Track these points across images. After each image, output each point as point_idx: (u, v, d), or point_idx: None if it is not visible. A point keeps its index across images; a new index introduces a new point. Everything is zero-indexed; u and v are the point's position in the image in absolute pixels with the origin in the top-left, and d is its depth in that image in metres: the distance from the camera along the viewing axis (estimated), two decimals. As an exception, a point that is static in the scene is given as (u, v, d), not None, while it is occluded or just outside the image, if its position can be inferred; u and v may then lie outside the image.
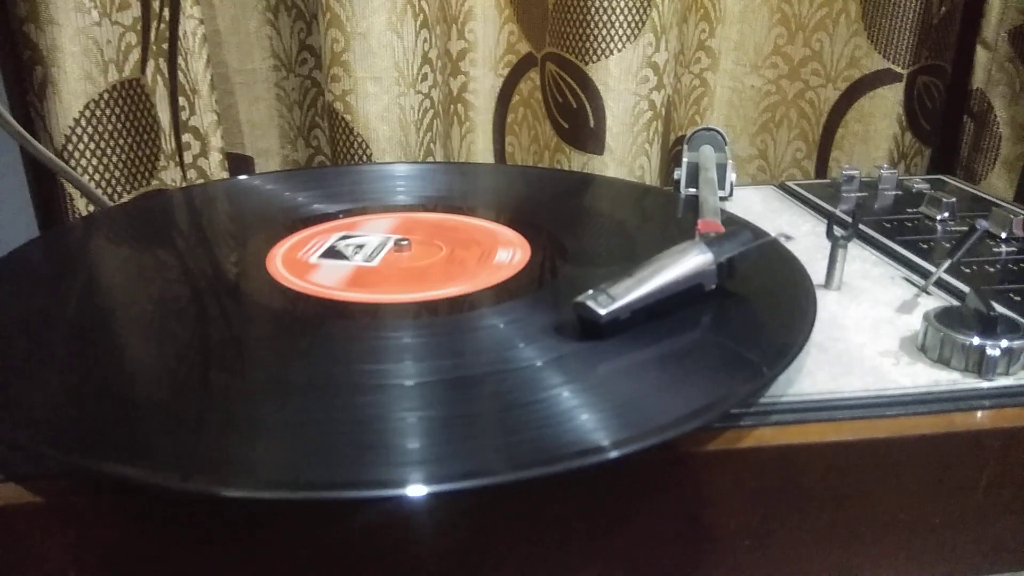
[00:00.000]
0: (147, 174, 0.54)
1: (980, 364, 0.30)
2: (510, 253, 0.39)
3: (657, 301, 0.31)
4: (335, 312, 0.34)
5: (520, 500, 0.26)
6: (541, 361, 0.29)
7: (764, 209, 0.50)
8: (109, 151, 0.51)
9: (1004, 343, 0.30)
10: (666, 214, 0.47)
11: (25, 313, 0.32)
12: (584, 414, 0.26)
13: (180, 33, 0.56)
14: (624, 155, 0.65)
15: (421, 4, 0.60)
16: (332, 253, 0.39)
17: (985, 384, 0.30)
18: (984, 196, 0.51)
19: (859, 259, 0.42)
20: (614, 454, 0.24)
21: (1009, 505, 0.29)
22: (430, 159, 0.64)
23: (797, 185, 0.53)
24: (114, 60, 0.50)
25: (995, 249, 0.43)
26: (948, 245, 0.43)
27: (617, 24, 0.61)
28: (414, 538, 0.26)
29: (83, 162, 0.50)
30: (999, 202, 0.50)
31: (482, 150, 0.72)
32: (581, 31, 0.62)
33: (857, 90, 0.68)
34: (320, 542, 0.26)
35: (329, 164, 0.67)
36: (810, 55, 0.70)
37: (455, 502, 0.26)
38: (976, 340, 0.30)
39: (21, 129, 0.40)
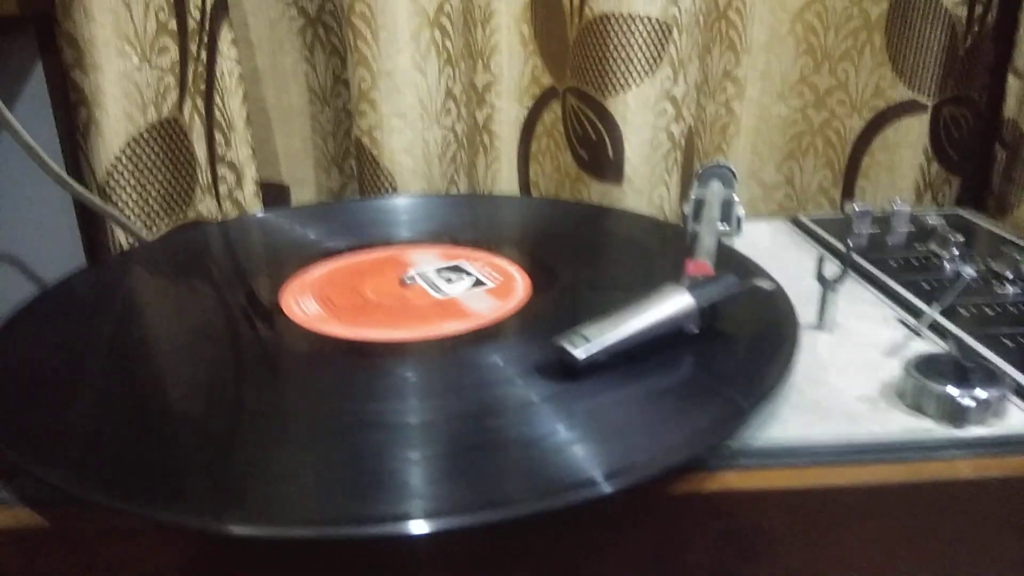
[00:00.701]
0: (184, 206, 0.58)
1: (954, 414, 0.31)
2: (511, 289, 0.41)
3: (638, 344, 0.33)
4: (337, 350, 0.36)
5: (488, 541, 0.28)
6: (536, 398, 0.31)
7: (772, 245, 0.51)
8: (148, 185, 0.55)
9: (978, 393, 0.30)
10: (668, 250, 0.48)
11: (50, 351, 0.35)
12: (561, 451, 0.28)
13: (217, 73, 0.59)
14: (642, 185, 0.66)
15: (445, 43, 0.62)
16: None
17: (958, 434, 0.30)
18: (999, 232, 0.51)
19: (859, 299, 0.42)
20: (608, 488, 0.25)
21: (976, 556, 0.30)
22: (453, 189, 0.67)
23: (809, 220, 0.54)
24: (153, 101, 0.53)
25: (999, 291, 0.42)
26: (950, 286, 0.43)
27: (635, 59, 0.62)
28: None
29: (123, 195, 0.54)
30: (1015, 240, 0.50)
31: (507, 179, 0.73)
32: (600, 66, 0.63)
33: (882, 120, 0.68)
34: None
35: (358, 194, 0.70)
36: (836, 85, 0.70)
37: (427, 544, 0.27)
38: (950, 389, 0.31)
39: (63, 172, 0.43)
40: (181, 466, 0.28)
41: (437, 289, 0.41)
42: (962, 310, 0.40)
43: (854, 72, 0.68)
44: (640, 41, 0.62)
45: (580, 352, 0.31)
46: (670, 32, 0.62)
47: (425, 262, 0.44)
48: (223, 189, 0.61)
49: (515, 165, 0.74)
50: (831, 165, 0.73)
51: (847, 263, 0.38)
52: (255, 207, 0.63)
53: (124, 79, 0.52)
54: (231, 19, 0.60)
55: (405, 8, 0.59)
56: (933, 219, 0.52)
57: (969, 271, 0.35)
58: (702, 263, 0.39)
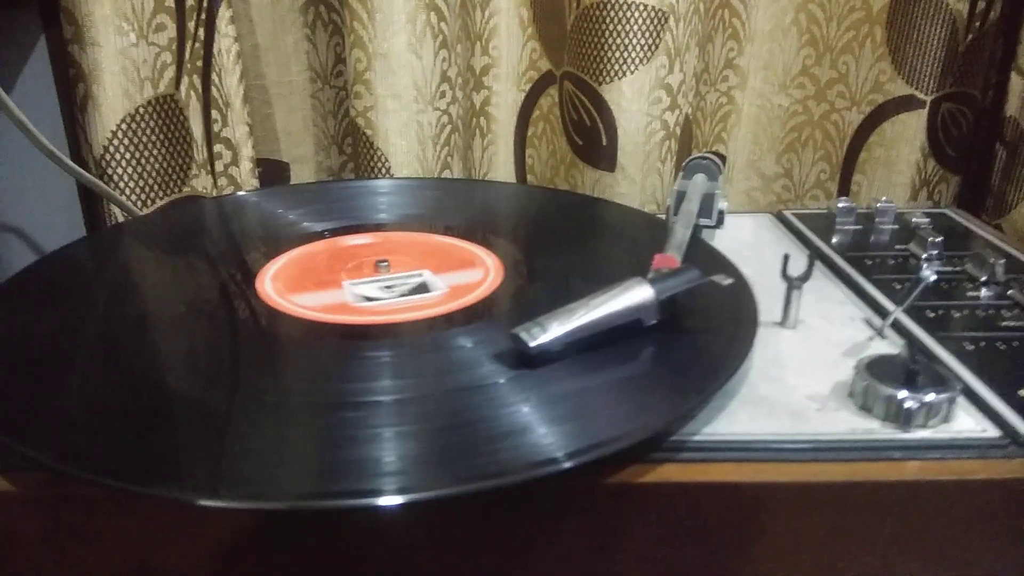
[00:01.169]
0: (180, 182, 0.59)
1: (899, 416, 0.31)
2: (484, 273, 0.42)
3: (593, 334, 0.33)
4: (317, 332, 0.37)
5: (431, 521, 0.29)
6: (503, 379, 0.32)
7: (753, 240, 0.51)
8: (144, 160, 0.56)
9: (924, 396, 0.31)
10: (645, 240, 0.48)
11: (27, 324, 0.37)
12: (503, 436, 0.29)
13: (215, 51, 0.60)
14: (635, 173, 0.66)
15: (440, 26, 0.62)
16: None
17: (902, 435, 0.31)
18: (982, 234, 0.51)
19: (828, 298, 0.43)
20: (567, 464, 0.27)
21: (913, 558, 0.30)
22: (446, 172, 0.67)
23: (793, 215, 0.54)
24: (149, 78, 0.54)
25: (970, 293, 0.43)
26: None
27: (631, 47, 0.62)
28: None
29: (119, 170, 0.55)
30: (997, 242, 0.50)
31: (503, 162, 0.74)
32: (596, 52, 0.63)
33: (880, 115, 0.67)
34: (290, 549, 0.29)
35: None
36: (836, 77, 0.70)
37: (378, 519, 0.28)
38: (896, 391, 0.31)
39: (53, 147, 0.44)
40: (157, 440, 0.29)
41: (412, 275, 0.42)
42: (929, 312, 0.40)
43: (854, 65, 0.68)
44: (636, 28, 0.62)
45: (532, 341, 0.32)
46: (666, 20, 0.62)
47: (401, 247, 0.45)
48: (219, 166, 0.62)
49: (511, 149, 0.74)
50: (829, 158, 0.72)
51: (811, 262, 0.38)
52: (251, 184, 0.64)
53: (121, 56, 0.53)
54: (229, -3, 0.60)
55: (401, -10, 0.60)
56: (918, 218, 0.52)
57: (928, 273, 0.35)
58: (669, 256, 0.39)
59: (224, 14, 0.60)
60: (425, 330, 0.37)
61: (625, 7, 0.62)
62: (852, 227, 0.52)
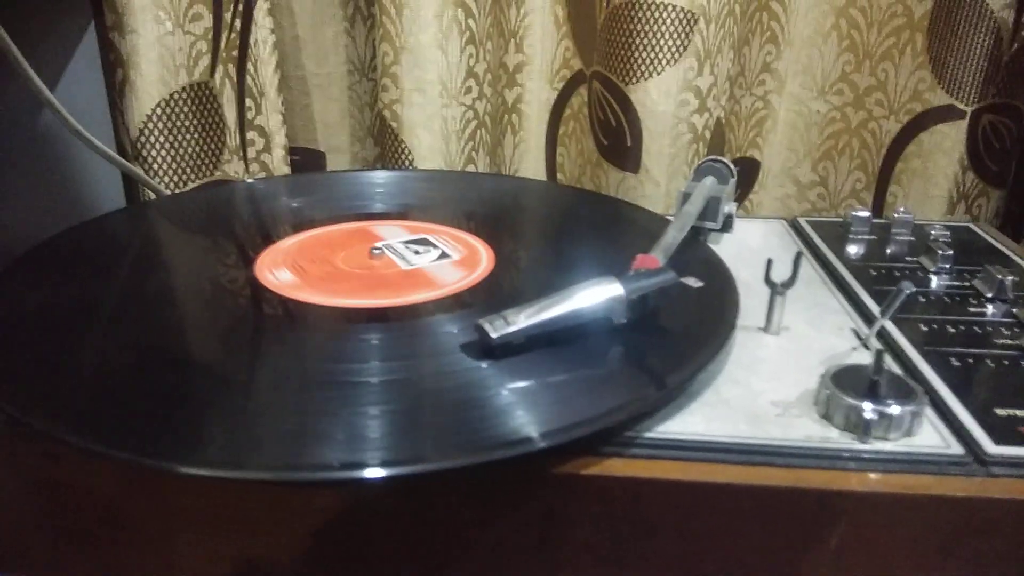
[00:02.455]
0: (212, 166, 0.61)
1: (857, 426, 0.31)
2: (475, 262, 0.43)
3: (557, 329, 0.34)
4: (307, 314, 0.38)
5: (376, 503, 0.30)
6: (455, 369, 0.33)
7: (761, 246, 0.50)
8: (178, 144, 0.59)
9: (883, 408, 0.30)
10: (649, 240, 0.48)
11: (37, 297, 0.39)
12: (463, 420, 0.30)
13: (251, 41, 0.62)
14: (660, 176, 0.66)
15: (468, 22, 0.64)
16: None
17: (858, 446, 0.30)
18: (1002, 249, 0.49)
19: (823, 306, 0.42)
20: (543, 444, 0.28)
21: (862, 571, 0.30)
22: (471, 166, 0.68)
23: (806, 222, 0.53)
24: (184, 65, 0.57)
25: (973, 309, 0.41)
26: (923, 300, 0.42)
27: (659, 47, 0.62)
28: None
29: (153, 152, 0.58)
30: (1019, 260, 0.48)
31: (534, 159, 0.75)
32: (625, 52, 0.63)
33: (918, 124, 0.65)
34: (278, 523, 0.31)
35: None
36: (875, 84, 0.68)
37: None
38: (855, 401, 0.31)
39: (80, 128, 0.47)
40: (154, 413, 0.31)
41: (405, 260, 0.43)
42: (922, 326, 0.39)
43: (894, 72, 0.66)
44: (665, 29, 0.62)
45: (494, 332, 0.33)
46: (696, 22, 0.62)
47: (394, 235, 0.46)
48: (252, 152, 0.65)
49: (543, 147, 0.75)
50: (865, 167, 0.71)
51: (795, 268, 0.38)
52: (282, 171, 0.67)
53: (158, 43, 0.55)
54: (269, -10, 0.63)
55: (429, -14, 0.61)
56: (937, 231, 0.50)
57: (908, 284, 0.34)
58: (652, 257, 0.39)
59: (262, 6, 0.62)
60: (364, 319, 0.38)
61: (654, 7, 0.62)
62: (866, 237, 0.50)
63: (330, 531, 0.31)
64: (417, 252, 0.44)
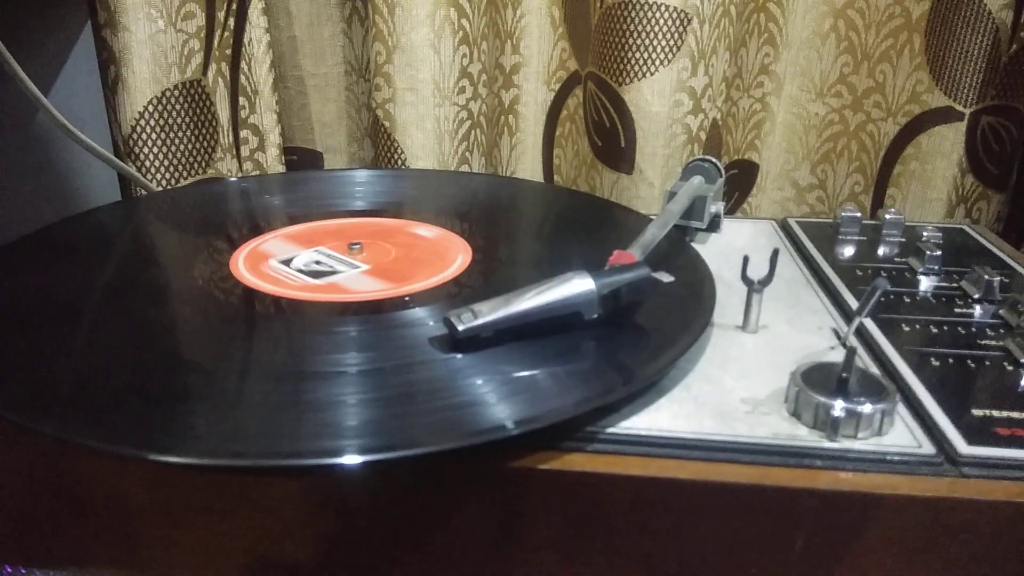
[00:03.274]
0: (204, 163, 0.62)
1: (825, 424, 0.30)
2: (453, 257, 0.42)
3: (527, 323, 0.33)
4: (290, 310, 0.38)
5: (338, 491, 0.30)
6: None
7: (747, 245, 0.50)
8: (170, 142, 0.59)
9: (852, 406, 0.30)
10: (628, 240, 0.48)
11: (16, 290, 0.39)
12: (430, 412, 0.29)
13: (245, 40, 0.62)
14: (653, 176, 0.66)
15: (461, 22, 0.64)
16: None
17: (826, 444, 0.30)
18: (994, 251, 0.48)
19: (803, 305, 0.41)
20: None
21: (828, 570, 0.29)
22: (464, 167, 0.68)
23: (796, 223, 0.52)
24: (176, 63, 0.57)
25: (959, 309, 0.40)
26: (908, 301, 0.41)
27: (652, 48, 0.62)
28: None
29: (145, 149, 0.58)
30: (1011, 261, 0.47)
31: (531, 160, 0.74)
32: (618, 53, 0.63)
33: (916, 127, 0.65)
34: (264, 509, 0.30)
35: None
36: (873, 86, 0.67)
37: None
38: (824, 399, 0.30)
39: (68, 123, 0.47)
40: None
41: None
42: (905, 326, 0.38)
43: (892, 74, 0.65)
44: (658, 30, 0.62)
45: (461, 325, 0.32)
46: (689, 22, 0.62)
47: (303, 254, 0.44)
48: (245, 151, 0.65)
49: (539, 148, 0.75)
50: (863, 170, 0.70)
51: (772, 265, 0.37)
52: (276, 170, 0.67)
53: (150, 41, 0.56)
54: (264, -10, 0.63)
55: (422, -14, 0.61)
56: (928, 232, 0.49)
57: (882, 280, 0.34)
58: (628, 254, 0.39)
59: (256, 5, 0.63)
60: (337, 311, 0.37)
61: (647, 7, 0.61)
62: (856, 238, 0.50)
63: (289, 521, 0.31)
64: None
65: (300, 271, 0.41)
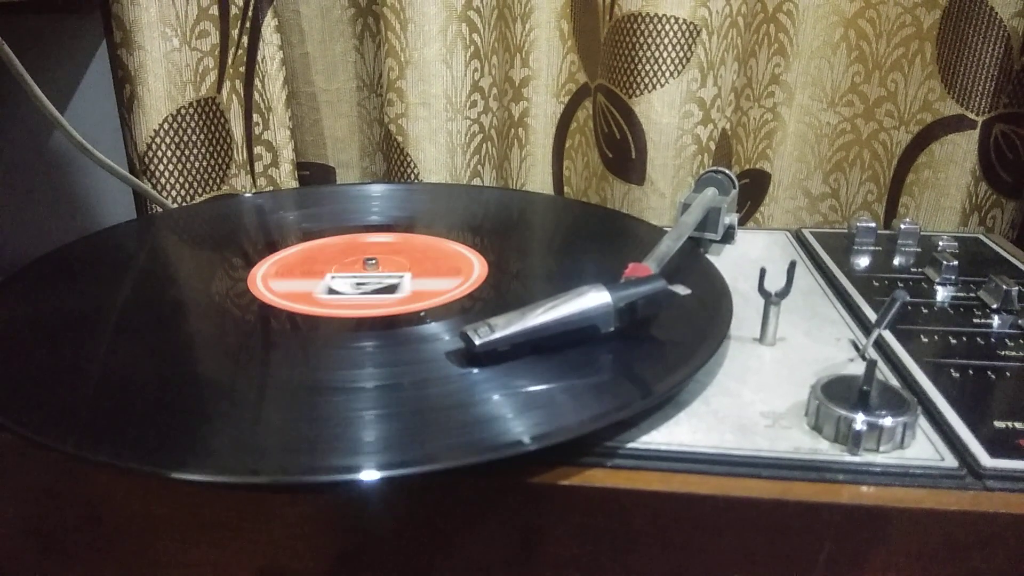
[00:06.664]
0: (219, 180, 0.62)
1: (847, 437, 0.30)
2: (468, 271, 0.42)
3: (544, 337, 0.33)
4: (306, 326, 0.38)
5: (358, 508, 0.30)
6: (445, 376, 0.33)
7: (762, 256, 0.49)
8: (185, 159, 0.59)
9: (874, 419, 0.30)
10: (638, 246, 0.47)
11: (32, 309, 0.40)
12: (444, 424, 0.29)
13: (259, 58, 0.63)
14: (665, 187, 0.65)
15: (473, 37, 0.64)
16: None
17: (848, 458, 0.30)
18: (1012, 261, 0.48)
19: (821, 316, 0.41)
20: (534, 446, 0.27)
21: (849, 583, 0.29)
22: (476, 180, 0.68)
23: (811, 233, 0.52)
24: (191, 81, 0.58)
25: (979, 320, 0.40)
26: (926, 311, 0.41)
27: (662, 60, 0.62)
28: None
29: (160, 167, 0.58)
30: (1026, 268, 0.47)
31: (541, 172, 0.75)
32: (627, 65, 0.63)
33: (929, 135, 0.64)
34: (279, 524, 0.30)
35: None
36: (885, 95, 0.67)
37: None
38: (845, 412, 0.30)
39: (83, 141, 0.48)
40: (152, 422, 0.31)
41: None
42: (923, 337, 0.38)
43: (904, 83, 0.65)
44: (667, 41, 0.62)
45: (478, 339, 0.32)
46: (698, 34, 0.62)
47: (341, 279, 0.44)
48: (259, 167, 0.65)
49: (549, 160, 0.75)
50: (876, 179, 0.70)
51: (790, 277, 0.37)
52: (289, 186, 0.67)
53: (165, 60, 0.56)
54: (276, 7, 0.63)
55: (434, 1, 0.61)
56: (944, 242, 0.49)
57: (902, 292, 0.33)
58: (644, 266, 0.39)
59: (269, 23, 0.63)
60: (352, 327, 0.37)
61: (656, 20, 0.61)
62: (871, 248, 0.50)
63: (307, 538, 0.30)
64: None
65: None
